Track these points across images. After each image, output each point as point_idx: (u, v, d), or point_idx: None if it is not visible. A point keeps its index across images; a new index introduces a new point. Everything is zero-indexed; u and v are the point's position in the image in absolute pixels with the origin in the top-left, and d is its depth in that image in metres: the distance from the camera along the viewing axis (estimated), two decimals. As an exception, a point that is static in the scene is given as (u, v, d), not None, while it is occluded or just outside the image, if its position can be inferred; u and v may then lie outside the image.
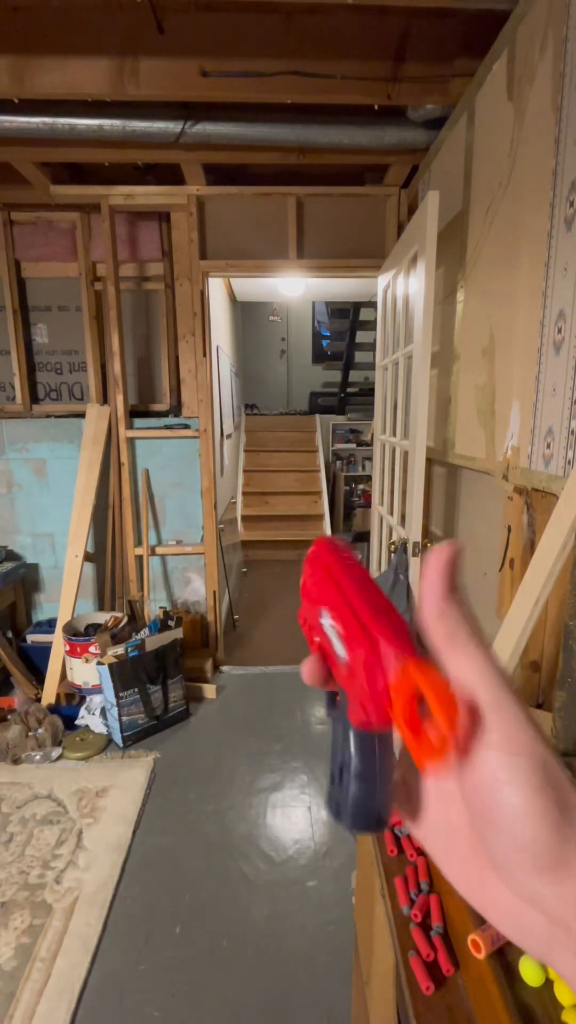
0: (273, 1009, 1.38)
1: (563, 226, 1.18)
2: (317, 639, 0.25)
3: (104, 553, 3.03)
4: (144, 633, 2.63)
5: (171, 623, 2.69)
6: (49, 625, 2.95)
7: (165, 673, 2.52)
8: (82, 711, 2.56)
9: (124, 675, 2.38)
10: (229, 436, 4.58)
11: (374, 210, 2.69)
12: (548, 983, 0.65)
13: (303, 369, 7.32)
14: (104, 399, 2.93)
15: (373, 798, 0.23)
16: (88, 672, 2.54)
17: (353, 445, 6.48)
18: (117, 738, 2.41)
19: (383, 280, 2.47)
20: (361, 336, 6.34)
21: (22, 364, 2.89)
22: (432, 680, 0.20)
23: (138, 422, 2.90)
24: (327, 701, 0.26)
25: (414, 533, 1.89)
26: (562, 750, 1.06)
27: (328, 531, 5.56)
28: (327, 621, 0.24)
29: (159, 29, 1.66)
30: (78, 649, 2.55)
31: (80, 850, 1.85)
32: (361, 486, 6.29)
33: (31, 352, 2.94)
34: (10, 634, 2.97)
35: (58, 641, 2.64)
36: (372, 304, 5.54)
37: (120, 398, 2.78)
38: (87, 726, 2.52)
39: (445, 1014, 0.63)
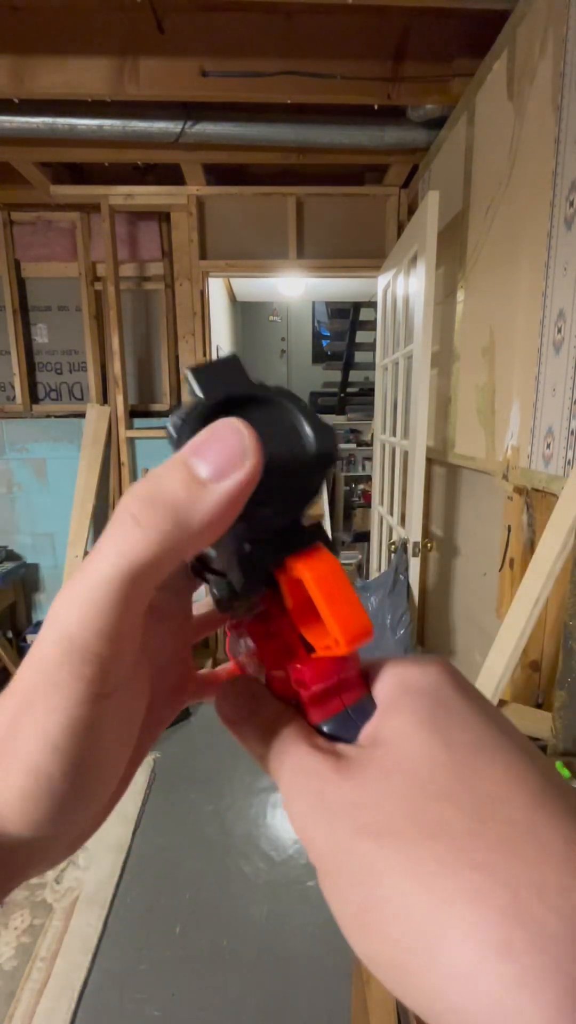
0: (273, 1009, 1.38)
1: (563, 226, 1.18)
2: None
3: (104, 553, 3.02)
4: (144, 633, 2.63)
5: (171, 623, 2.69)
6: (49, 625, 2.95)
7: (165, 673, 2.52)
8: (82, 711, 2.56)
9: (124, 675, 2.38)
10: (229, 436, 4.57)
11: (374, 210, 2.69)
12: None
13: (303, 369, 7.32)
14: (104, 399, 2.93)
15: None
16: (88, 672, 2.54)
17: (353, 445, 6.47)
18: (117, 738, 2.41)
19: (383, 280, 2.47)
20: (361, 336, 6.33)
21: (22, 364, 2.89)
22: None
23: (138, 422, 2.89)
24: None
25: (414, 533, 1.89)
26: (562, 750, 1.06)
27: (328, 530, 5.55)
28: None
29: (159, 29, 1.66)
30: (78, 649, 2.55)
31: (80, 849, 1.85)
32: (361, 486, 6.28)
33: (31, 352, 2.93)
34: (10, 634, 2.97)
35: (58, 641, 2.64)
36: (372, 304, 5.54)
37: (120, 398, 2.78)
38: (87, 726, 2.52)
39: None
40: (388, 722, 0.19)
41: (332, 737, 0.20)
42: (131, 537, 0.16)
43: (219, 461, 0.16)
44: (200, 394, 0.20)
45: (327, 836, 0.17)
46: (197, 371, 0.20)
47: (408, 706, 0.19)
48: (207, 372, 0.20)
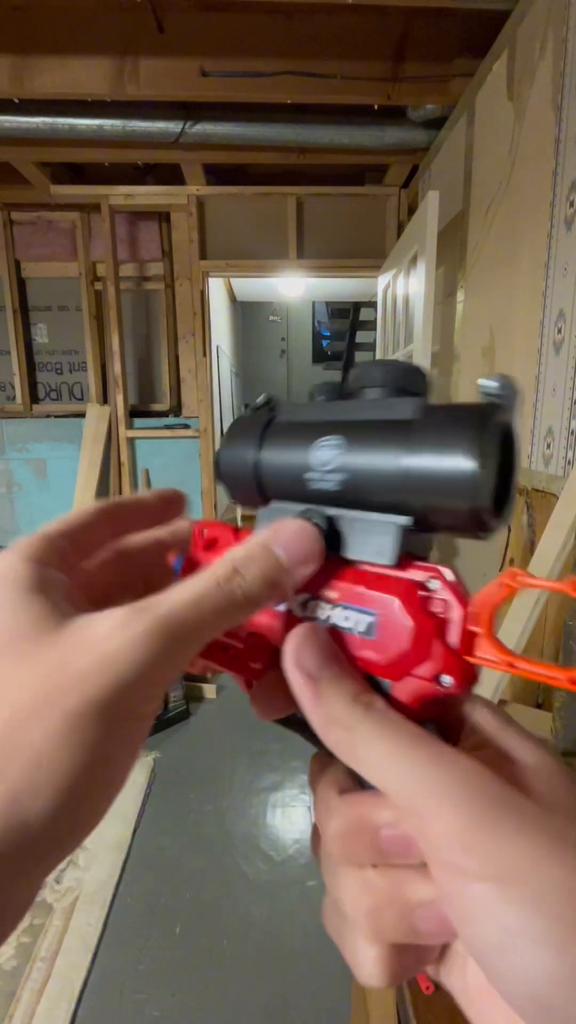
0: (273, 1009, 1.38)
1: (563, 226, 1.18)
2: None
3: (104, 553, 3.02)
4: (144, 633, 2.63)
5: (171, 623, 2.69)
6: (49, 625, 2.95)
7: (165, 673, 2.52)
8: (82, 711, 2.55)
9: (124, 675, 2.38)
10: (229, 436, 4.57)
11: (374, 210, 2.69)
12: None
13: (303, 369, 7.32)
14: (104, 399, 2.93)
15: None
16: (88, 672, 2.54)
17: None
18: (117, 738, 2.41)
19: (383, 280, 2.47)
20: (361, 336, 6.32)
21: (22, 364, 2.89)
22: None
23: (138, 422, 2.89)
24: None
25: (414, 533, 1.89)
26: (562, 750, 1.06)
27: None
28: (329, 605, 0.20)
29: (159, 29, 1.66)
30: (78, 649, 2.54)
31: (80, 849, 1.85)
32: (361, 486, 6.28)
33: (31, 352, 2.93)
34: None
35: (58, 641, 2.64)
36: (372, 304, 5.54)
37: (120, 398, 2.78)
38: (87, 726, 2.52)
39: (445, 1014, 0.63)
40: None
41: None
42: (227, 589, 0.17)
43: (297, 555, 0.19)
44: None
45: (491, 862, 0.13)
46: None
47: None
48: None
